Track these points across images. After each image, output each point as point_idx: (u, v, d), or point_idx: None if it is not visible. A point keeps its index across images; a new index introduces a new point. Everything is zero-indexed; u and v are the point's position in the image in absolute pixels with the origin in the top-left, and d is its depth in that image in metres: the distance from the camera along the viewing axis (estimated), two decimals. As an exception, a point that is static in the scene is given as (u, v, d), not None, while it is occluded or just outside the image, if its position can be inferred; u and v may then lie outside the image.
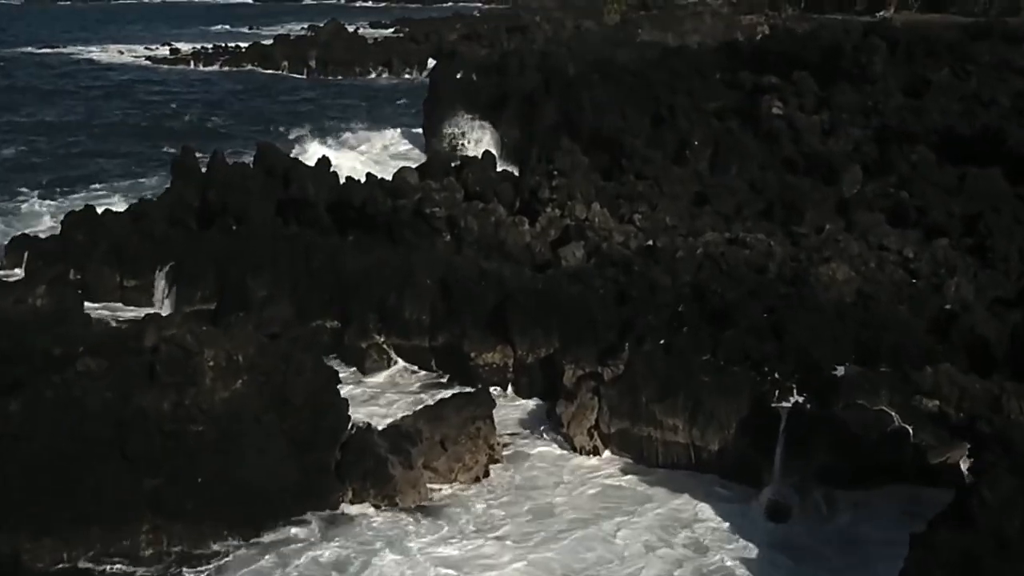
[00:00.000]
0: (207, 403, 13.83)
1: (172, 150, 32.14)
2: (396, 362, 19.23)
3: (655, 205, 22.74)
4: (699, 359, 16.17)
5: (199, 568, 13.02)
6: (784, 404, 15.21)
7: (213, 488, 13.58)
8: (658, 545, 13.63)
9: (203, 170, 26.74)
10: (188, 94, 59.52)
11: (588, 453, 16.07)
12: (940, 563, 10.43)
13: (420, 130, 38.88)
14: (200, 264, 21.82)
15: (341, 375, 17.05)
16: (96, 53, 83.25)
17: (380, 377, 18.87)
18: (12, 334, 15.37)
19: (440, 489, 14.85)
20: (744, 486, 14.88)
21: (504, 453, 15.88)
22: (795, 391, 15.45)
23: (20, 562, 12.81)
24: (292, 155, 30.31)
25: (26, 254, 23.96)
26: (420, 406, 16.53)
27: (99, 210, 25.48)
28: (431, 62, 61.10)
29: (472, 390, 17.11)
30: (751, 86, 31.27)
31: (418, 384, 18.72)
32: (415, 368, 19.19)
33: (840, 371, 15.54)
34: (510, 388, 18.26)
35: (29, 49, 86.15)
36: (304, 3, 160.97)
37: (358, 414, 16.20)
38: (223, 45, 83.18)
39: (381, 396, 18.13)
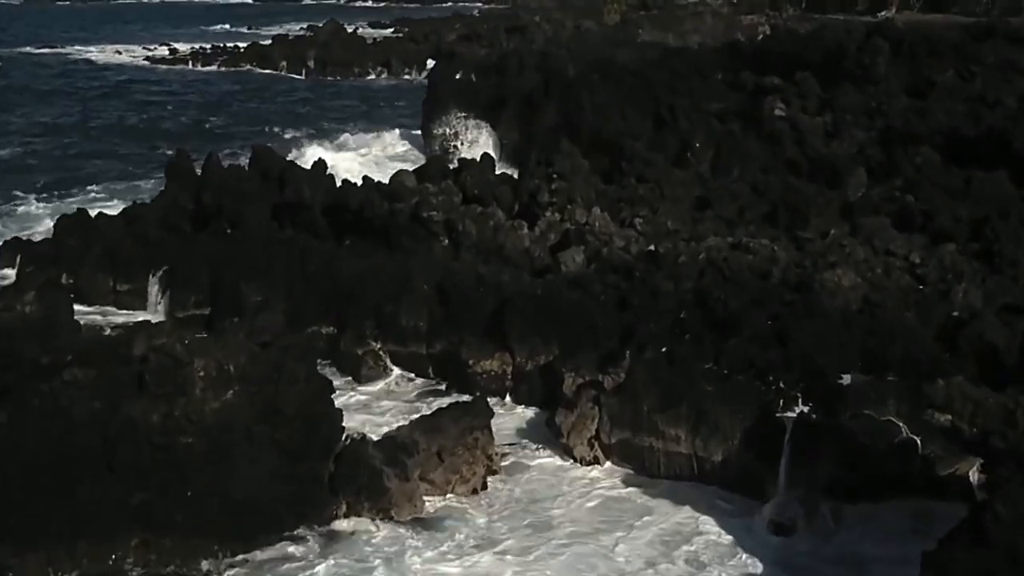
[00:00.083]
0: (197, 414, 13.48)
1: (170, 151, 31.83)
2: (391, 371, 18.85)
3: (656, 209, 22.40)
4: (702, 367, 15.81)
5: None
6: (789, 414, 14.87)
7: (203, 502, 13.23)
8: (659, 560, 13.26)
9: (198, 172, 26.41)
10: (186, 95, 59.21)
11: (588, 464, 15.72)
12: (953, 583, 10.10)
13: (419, 132, 38.52)
14: (194, 268, 21.48)
15: (336, 383, 16.74)
16: (94, 53, 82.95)
17: (376, 385, 18.50)
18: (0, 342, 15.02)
19: (438, 502, 14.50)
20: (748, 499, 14.50)
21: (502, 464, 15.52)
22: (800, 400, 15.11)
23: (4, 578, 12.50)
24: (290, 157, 29.99)
25: (19, 258, 23.65)
26: (416, 415, 16.19)
27: (97, 212, 25.19)
28: (430, 63, 60.73)
29: (469, 399, 16.79)
30: (753, 87, 30.91)
31: (415, 392, 18.36)
32: (412, 376, 18.82)
33: (846, 380, 15.22)
34: (508, 396, 17.89)
35: (27, 49, 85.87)
36: (304, 3, 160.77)
37: (352, 423, 15.88)
38: (221, 45, 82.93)
39: (376, 405, 17.76)
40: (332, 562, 12.98)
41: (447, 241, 21.41)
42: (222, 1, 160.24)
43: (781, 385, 15.31)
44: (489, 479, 15.03)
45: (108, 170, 37.39)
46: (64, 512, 12.88)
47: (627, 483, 15.22)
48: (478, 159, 26.02)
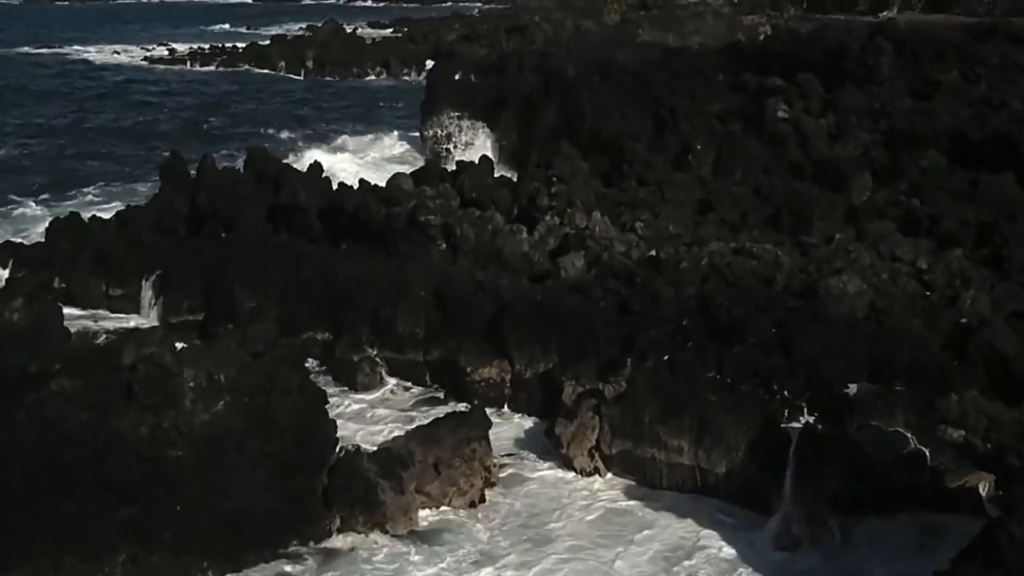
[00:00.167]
0: (187, 426, 13.13)
1: (167, 153, 31.54)
2: (386, 382, 18.47)
3: (657, 213, 22.04)
4: (704, 376, 15.47)
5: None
6: (794, 424, 14.53)
7: (193, 517, 12.87)
8: (659, 576, 12.96)
9: (193, 174, 26.06)
10: (184, 95, 58.89)
11: (589, 475, 15.36)
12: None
13: (418, 133, 38.14)
14: (188, 273, 21.16)
15: (330, 391, 16.47)
16: (92, 54, 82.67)
17: (372, 393, 18.12)
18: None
19: (436, 515, 14.14)
20: (752, 512, 14.15)
21: (501, 476, 15.16)
22: (806, 410, 14.78)
23: (-12, 595, 12.16)
24: (287, 158, 29.70)
25: (11, 262, 23.30)
26: (413, 424, 15.90)
27: (97, 214, 24.91)
28: (429, 63, 60.37)
29: (467, 407, 16.46)
30: (755, 88, 30.51)
31: (411, 400, 17.99)
32: (408, 384, 18.45)
33: (853, 389, 14.87)
34: (506, 405, 17.52)
35: (26, 49, 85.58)
36: (303, 3, 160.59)
37: (347, 432, 15.61)
38: (220, 45, 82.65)
39: (372, 413, 17.40)
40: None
41: (445, 245, 21.05)
42: (222, 1, 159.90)
43: (786, 394, 15.00)
44: (487, 491, 14.68)
45: (105, 172, 37.10)
46: (50, 527, 12.52)
47: (628, 495, 14.87)
48: (474, 161, 25.61)
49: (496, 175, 25.33)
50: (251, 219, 23.04)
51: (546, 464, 15.64)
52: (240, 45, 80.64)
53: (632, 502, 14.67)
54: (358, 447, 14.21)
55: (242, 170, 26.16)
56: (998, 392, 14.41)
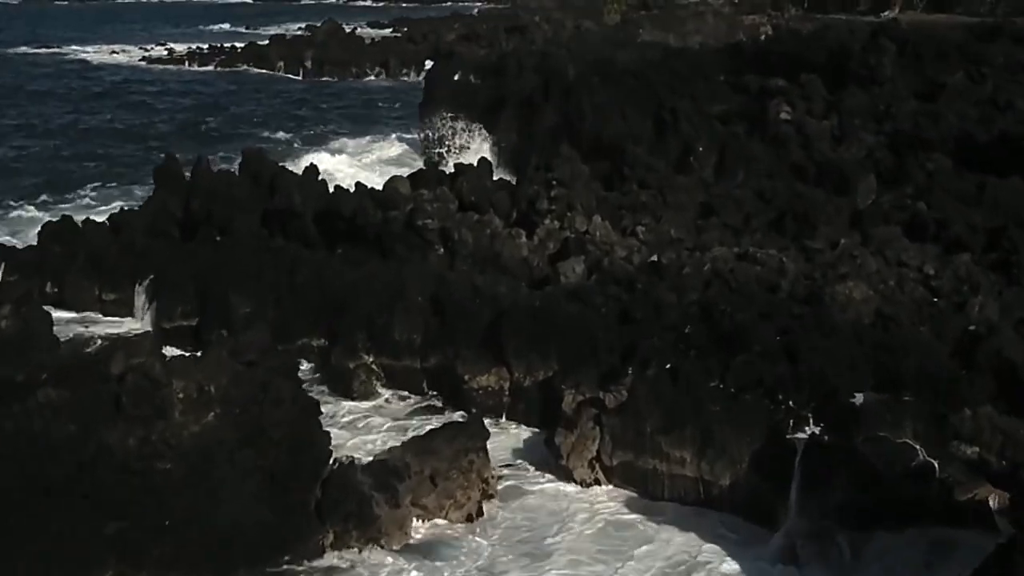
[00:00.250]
0: (176, 438, 12.78)
1: (164, 154, 31.23)
2: (381, 394, 18.11)
3: (659, 216, 21.66)
4: (708, 385, 15.09)
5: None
6: (800, 435, 14.18)
7: (182, 531, 12.52)
8: (660, 593, 12.61)
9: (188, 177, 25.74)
10: (182, 96, 58.57)
11: (589, 486, 15.00)
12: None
13: (416, 135, 37.79)
14: (181, 277, 20.82)
15: (325, 399, 16.16)
16: (90, 54, 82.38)
17: (367, 402, 17.77)
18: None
19: (432, 529, 13.78)
20: (756, 525, 13.79)
21: (499, 488, 14.78)
22: (811, 421, 14.44)
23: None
24: (283, 160, 29.36)
25: (3, 265, 22.96)
26: (409, 433, 15.55)
27: (92, 217, 24.64)
28: (428, 63, 60.02)
29: (464, 416, 16.11)
30: (757, 89, 30.16)
31: (407, 409, 17.63)
32: (404, 392, 18.08)
33: (859, 399, 14.52)
34: (504, 414, 17.16)
35: (23, 49, 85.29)
36: (303, 3, 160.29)
37: (341, 441, 15.28)
38: (219, 45, 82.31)
39: (367, 422, 17.02)
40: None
41: (442, 250, 20.67)
42: (221, 1, 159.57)
43: (791, 404, 14.63)
44: (485, 504, 14.32)
45: (102, 173, 36.79)
46: (35, 542, 12.15)
47: (629, 508, 14.48)
48: (473, 164, 25.24)
49: (495, 178, 24.98)
50: (246, 223, 22.71)
51: (545, 475, 15.26)
52: (239, 45, 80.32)
53: (633, 515, 14.29)
54: (352, 459, 13.85)
55: (238, 172, 25.82)
56: (1007, 401, 14.07)
